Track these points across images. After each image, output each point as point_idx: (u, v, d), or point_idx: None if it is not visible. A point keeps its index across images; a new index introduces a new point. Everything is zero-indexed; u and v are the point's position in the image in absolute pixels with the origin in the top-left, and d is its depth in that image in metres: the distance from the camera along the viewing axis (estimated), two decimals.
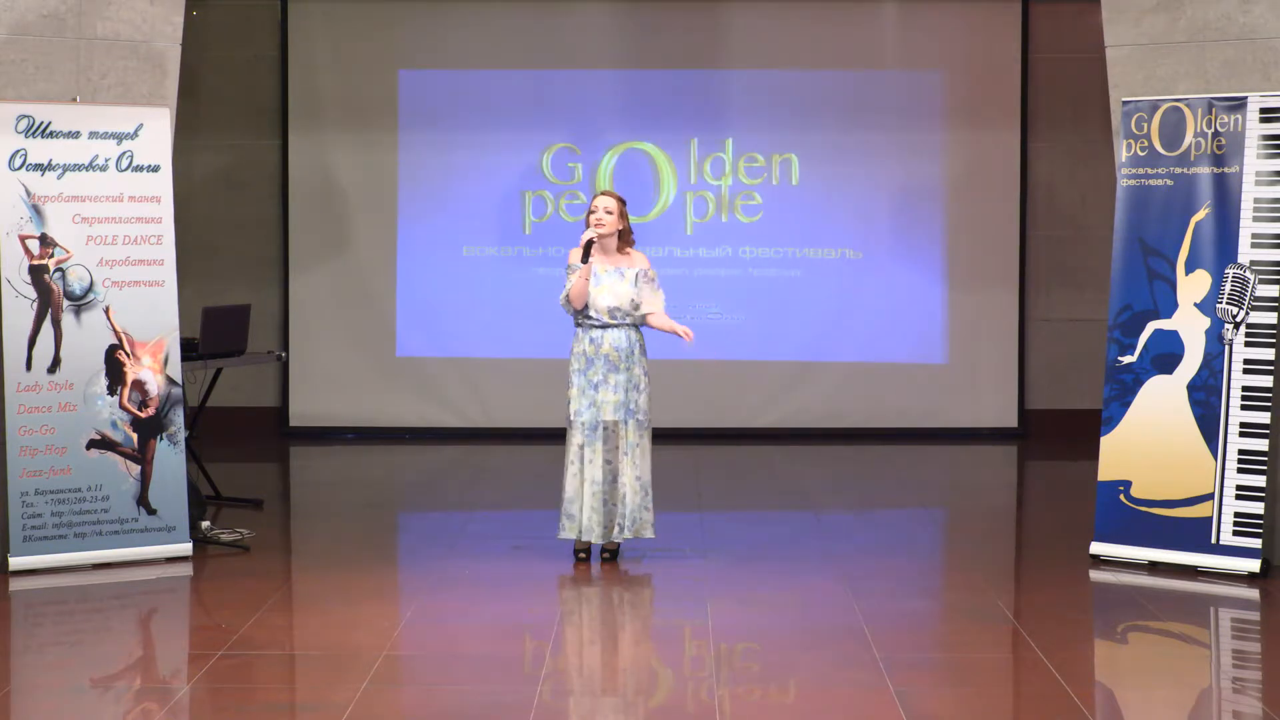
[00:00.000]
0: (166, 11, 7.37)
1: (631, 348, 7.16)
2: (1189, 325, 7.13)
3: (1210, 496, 7.03)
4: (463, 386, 11.27)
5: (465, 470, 10.30)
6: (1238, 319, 7.02)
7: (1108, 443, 7.30)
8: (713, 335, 11.22)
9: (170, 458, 7.22)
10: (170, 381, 7.24)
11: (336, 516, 8.62)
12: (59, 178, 7.05)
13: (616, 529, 7.13)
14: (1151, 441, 7.18)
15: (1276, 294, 6.96)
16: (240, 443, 10.64)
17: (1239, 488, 6.98)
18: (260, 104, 11.33)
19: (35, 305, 6.98)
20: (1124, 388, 7.26)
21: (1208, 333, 7.09)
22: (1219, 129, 7.07)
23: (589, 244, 7.09)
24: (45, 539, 6.95)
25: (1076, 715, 5.12)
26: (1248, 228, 7.01)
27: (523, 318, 11.13)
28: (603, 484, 7.09)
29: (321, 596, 6.74)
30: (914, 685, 5.42)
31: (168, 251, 7.26)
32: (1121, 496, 7.24)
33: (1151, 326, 7.23)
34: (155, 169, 7.25)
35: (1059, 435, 11.09)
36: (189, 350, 8.03)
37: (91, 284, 7.09)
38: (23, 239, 6.97)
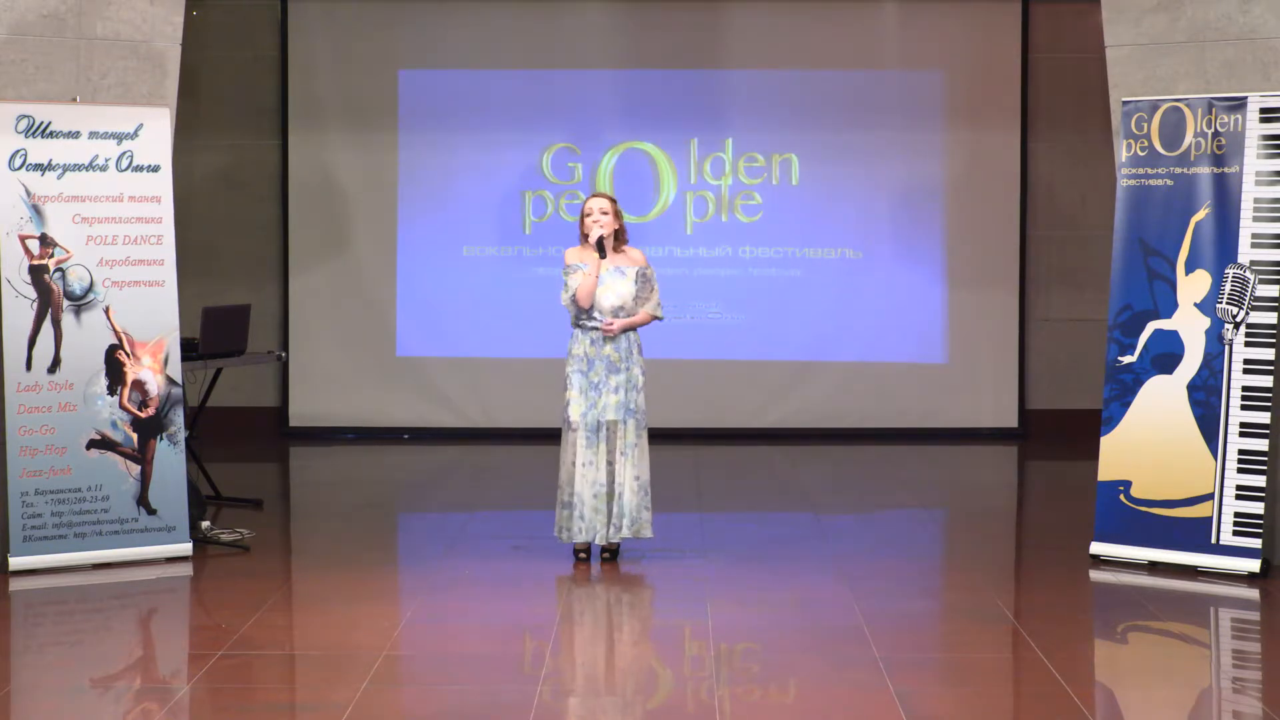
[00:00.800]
0: (166, 11, 7.37)
1: (630, 348, 7.18)
2: (1189, 325, 7.13)
3: (1210, 496, 7.03)
4: (463, 386, 11.27)
5: (465, 470, 10.30)
6: (1238, 319, 7.02)
7: (1108, 443, 7.30)
8: (713, 335, 11.23)
9: (170, 458, 7.22)
10: (170, 381, 7.24)
11: (336, 516, 8.62)
12: (59, 178, 7.05)
13: (613, 528, 7.13)
14: (1151, 441, 7.18)
15: (1276, 294, 6.96)
16: (240, 443, 10.65)
17: (1239, 488, 6.98)
18: (260, 104, 11.33)
19: (35, 305, 6.98)
20: (1124, 388, 7.26)
21: (1208, 333, 7.09)
22: (1219, 129, 7.07)
23: (600, 241, 7.12)
24: (45, 539, 6.95)
25: (1076, 715, 5.12)
26: (1248, 228, 7.01)
27: (523, 318, 11.13)
28: (605, 485, 7.10)
29: (321, 596, 6.74)
30: (914, 685, 5.42)
31: (168, 251, 7.26)
32: (1121, 496, 7.24)
33: (1151, 326, 7.22)
34: (155, 169, 7.25)
35: (1059, 435, 11.09)
36: (189, 350, 8.03)
37: (91, 284, 7.09)
38: (23, 239, 6.97)
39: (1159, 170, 7.22)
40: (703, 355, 11.22)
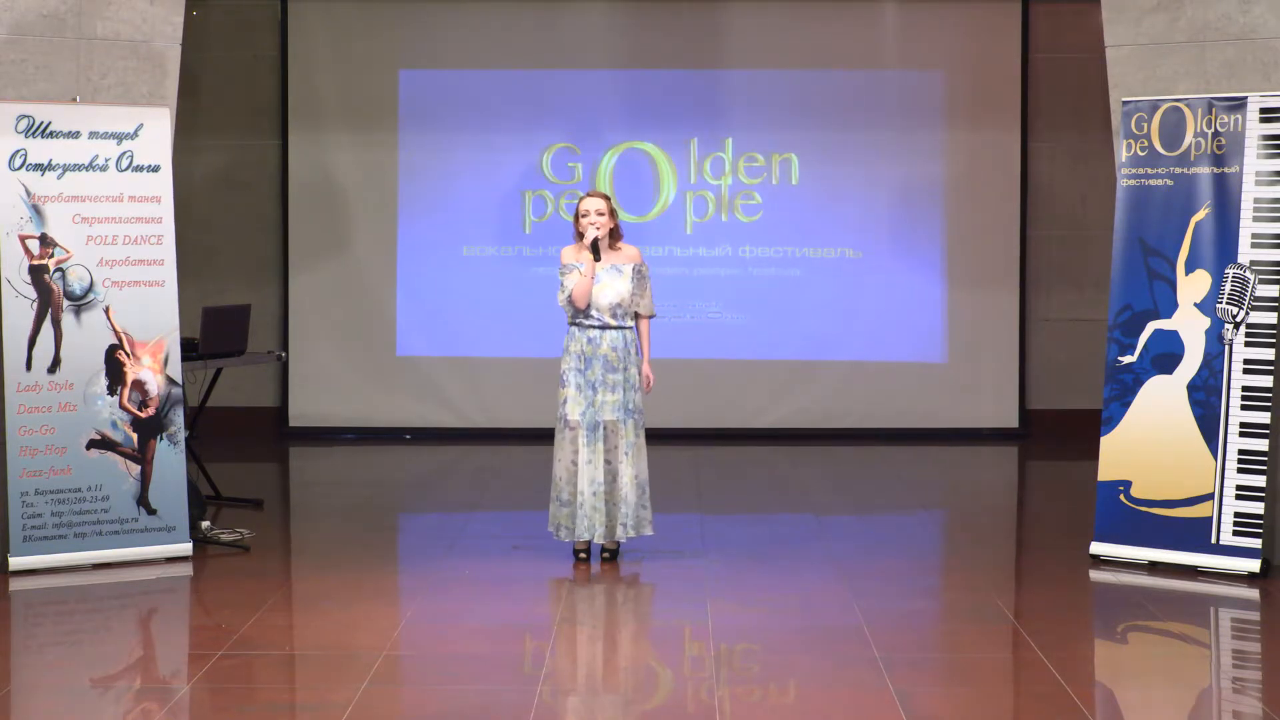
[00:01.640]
0: (166, 11, 7.37)
1: (628, 348, 7.18)
2: (1189, 325, 7.13)
3: (1210, 496, 7.03)
4: (463, 386, 11.27)
5: (465, 470, 10.30)
6: (1238, 319, 7.02)
7: (1108, 443, 7.30)
8: (713, 335, 11.23)
9: (170, 458, 7.22)
10: (170, 381, 7.24)
11: (336, 516, 8.62)
12: (59, 178, 7.05)
13: (620, 528, 7.14)
14: (1151, 441, 7.18)
15: (1276, 294, 6.96)
16: (240, 443, 10.64)
17: (1239, 488, 6.98)
18: (260, 104, 11.33)
19: (35, 305, 6.98)
20: (1124, 388, 7.26)
21: (1208, 333, 7.09)
22: (1219, 129, 7.07)
23: (595, 243, 7.12)
24: (45, 539, 6.95)
25: (1076, 715, 5.12)
26: (1248, 228, 7.01)
27: (523, 317, 11.13)
28: (604, 484, 7.10)
29: (321, 596, 6.74)
30: (914, 685, 5.42)
31: (168, 251, 7.26)
32: (1121, 496, 7.24)
33: (1151, 326, 7.22)
34: (155, 169, 7.25)
35: (1059, 435, 11.09)
36: (189, 350, 8.03)
37: (91, 284, 7.09)
38: (23, 239, 6.97)
39: (1159, 170, 7.22)
40: (703, 355, 11.21)
